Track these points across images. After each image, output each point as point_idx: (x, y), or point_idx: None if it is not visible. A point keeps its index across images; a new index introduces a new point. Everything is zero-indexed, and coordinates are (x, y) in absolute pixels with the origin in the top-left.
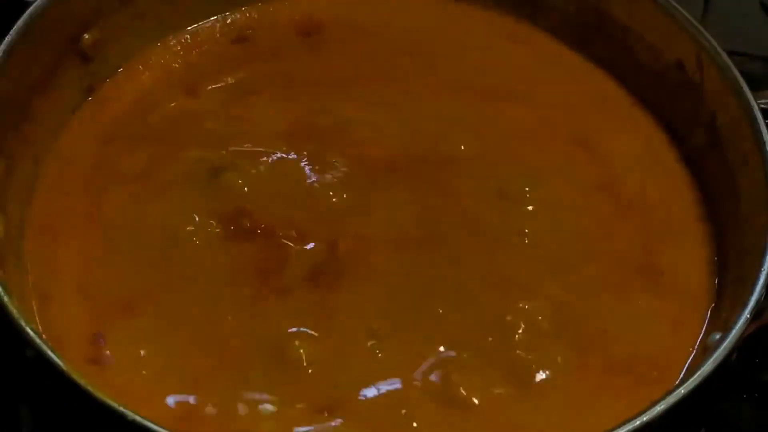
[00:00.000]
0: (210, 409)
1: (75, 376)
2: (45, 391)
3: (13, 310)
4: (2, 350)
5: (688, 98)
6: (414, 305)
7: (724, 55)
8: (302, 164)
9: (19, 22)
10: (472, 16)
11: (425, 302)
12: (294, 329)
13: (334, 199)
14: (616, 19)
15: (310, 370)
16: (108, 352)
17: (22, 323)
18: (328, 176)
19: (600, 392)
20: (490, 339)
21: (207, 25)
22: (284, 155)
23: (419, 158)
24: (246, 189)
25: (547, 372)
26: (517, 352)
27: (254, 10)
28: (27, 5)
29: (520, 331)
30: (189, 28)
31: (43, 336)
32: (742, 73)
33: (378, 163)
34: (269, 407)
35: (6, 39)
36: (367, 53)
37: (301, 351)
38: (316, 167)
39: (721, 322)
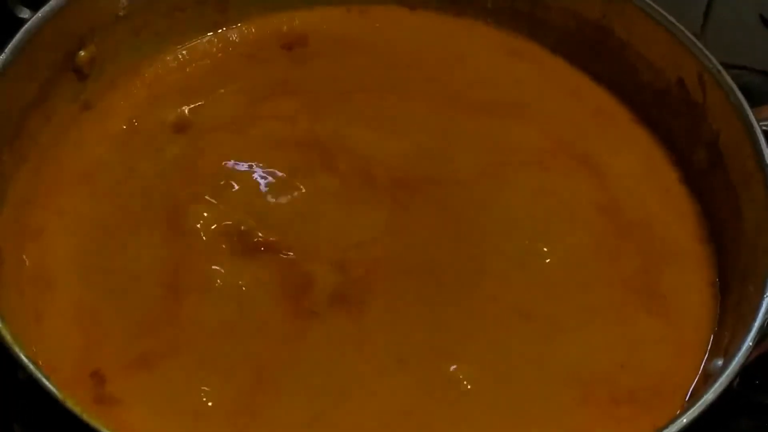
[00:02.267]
0: None
1: (70, 404)
2: (38, 411)
3: (7, 335)
4: None
5: (690, 117)
6: (425, 332)
7: (726, 75)
8: (300, 182)
9: (14, 40)
10: (471, 31)
11: (435, 329)
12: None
13: (335, 220)
14: (616, 37)
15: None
16: (111, 390)
17: (17, 350)
18: (328, 195)
19: (603, 423)
20: (498, 365)
21: (204, 40)
22: (282, 173)
23: (420, 179)
24: (245, 207)
25: (550, 403)
26: (522, 379)
27: (252, 25)
28: (22, 22)
29: (525, 356)
30: (185, 43)
31: (37, 357)
32: (740, 86)
33: (379, 183)
34: None
35: (0, 57)
36: (367, 69)
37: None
38: (314, 186)
39: (723, 346)
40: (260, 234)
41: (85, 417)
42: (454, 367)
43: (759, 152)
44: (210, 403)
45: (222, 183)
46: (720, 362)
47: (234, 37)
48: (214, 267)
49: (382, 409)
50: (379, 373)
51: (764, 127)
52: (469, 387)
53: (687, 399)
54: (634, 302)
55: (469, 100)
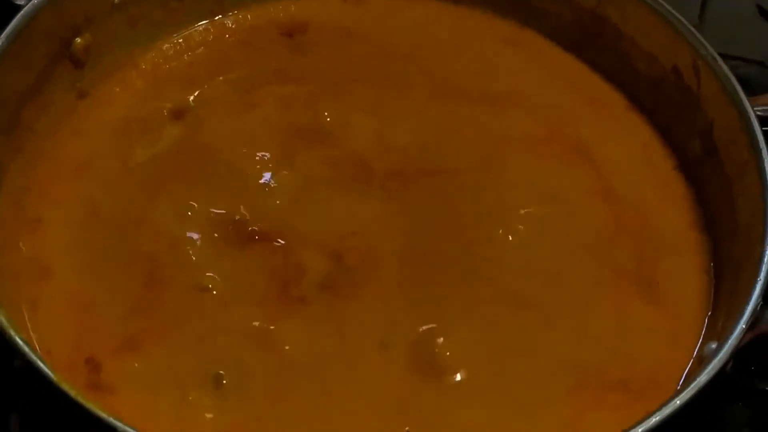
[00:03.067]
0: None
1: (66, 387)
2: (35, 399)
3: (2, 319)
4: None
5: (685, 106)
6: (417, 319)
7: (721, 63)
8: (297, 171)
9: (10, 27)
10: (468, 20)
11: (428, 316)
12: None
13: (330, 209)
14: (612, 24)
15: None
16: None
17: (12, 333)
18: (325, 184)
19: (595, 409)
20: (491, 352)
21: (200, 28)
22: (278, 161)
23: (416, 168)
24: (241, 195)
25: (543, 390)
26: (514, 366)
27: (247, 13)
28: (17, 9)
29: (518, 343)
30: (182, 31)
31: (35, 344)
32: (737, 76)
33: (374, 172)
34: None
35: None
36: (363, 58)
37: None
38: (311, 175)
39: (717, 331)
40: (253, 222)
41: (80, 400)
42: (447, 353)
43: (753, 141)
44: (198, 388)
45: (218, 171)
46: (714, 345)
47: (230, 24)
48: (206, 255)
49: (373, 395)
50: (369, 359)
51: (759, 113)
52: (459, 373)
53: (681, 383)
54: (629, 290)
55: (465, 90)
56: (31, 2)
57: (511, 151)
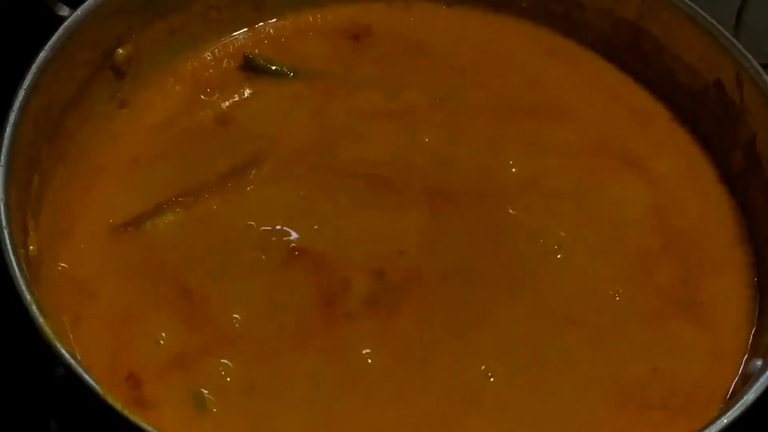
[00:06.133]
0: None
1: (110, 399)
2: (75, 408)
3: (49, 331)
4: (34, 366)
5: (728, 118)
6: (460, 336)
7: (765, 76)
8: (341, 188)
9: (54, 38)
10: (508, 29)
11: (474, 333)
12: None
13: (374, 227)
14: (652, 37)
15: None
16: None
17: (58, 345)
18: (367, 203)
19: (637, 427)
20: (533, 368)
21: (240, 37)
22: (321, 177)
23: (462, 183)
24: (282, 212)
25: (585, 408)
26: (557, 382)
27: (286, 20)
28: (62, 20)
29: (560, 361)
30: (222, 39)
31: (78, 357)
32: None
33: (418, 190)
34: None
35: (40, 55)
36: (407, 67)
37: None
38: (354, 192)
39: (762, 348)
40: (297, 240)
41: (126, 412)
42: (489, 370)
43: None
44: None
45: (258, 186)
46: (759, 363)
47: (270, 33)
48: (249, 270)
49: (414, 410)
50: (411, 375)
51: None
52: (501, 389)
53: (727, 400)
54: (672, 306)
55: (511, 101)
56: (75, 14)
57: (557, 165)
